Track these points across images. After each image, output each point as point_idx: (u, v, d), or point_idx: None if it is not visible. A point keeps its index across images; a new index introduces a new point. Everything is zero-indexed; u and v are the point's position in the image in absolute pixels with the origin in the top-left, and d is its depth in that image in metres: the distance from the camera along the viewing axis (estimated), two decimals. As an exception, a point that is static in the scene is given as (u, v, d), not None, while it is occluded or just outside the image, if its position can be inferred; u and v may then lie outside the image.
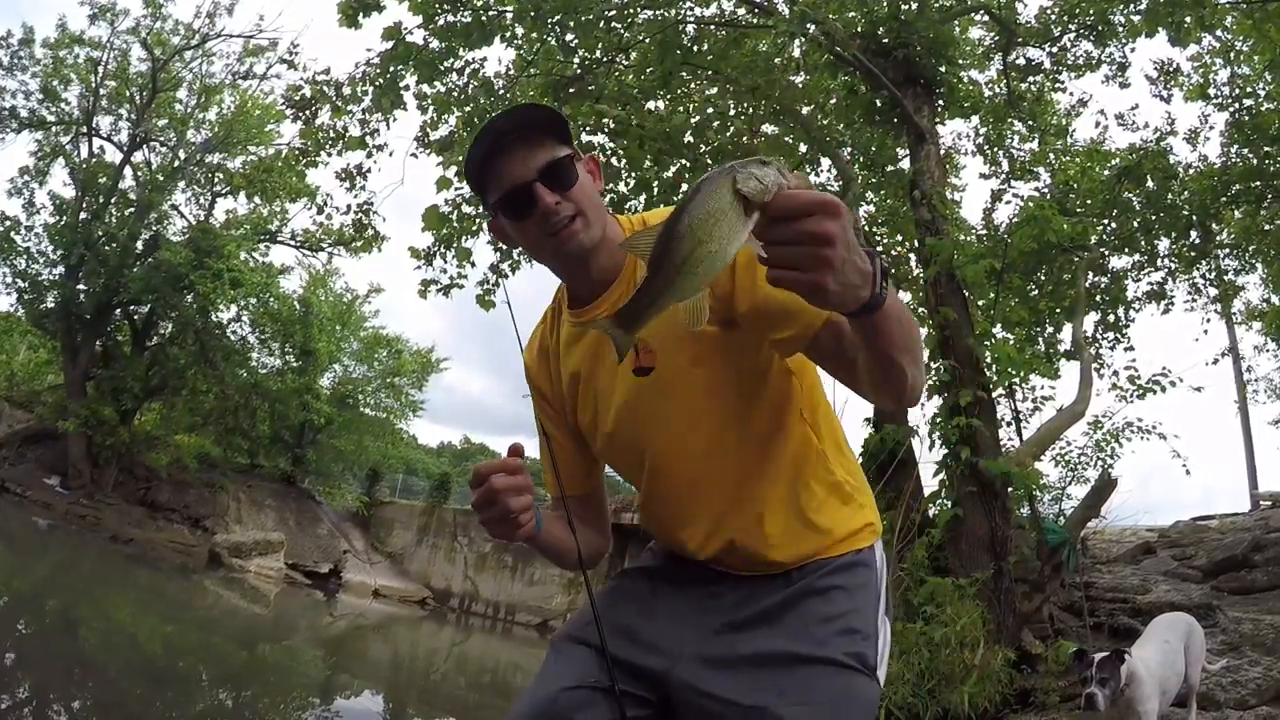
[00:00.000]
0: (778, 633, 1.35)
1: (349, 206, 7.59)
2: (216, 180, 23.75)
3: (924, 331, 6.11)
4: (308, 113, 7.03)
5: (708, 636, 1.39)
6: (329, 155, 7.41)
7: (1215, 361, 13.68)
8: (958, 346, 6.06)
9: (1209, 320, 11.92)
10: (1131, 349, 10.32)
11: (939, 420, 6.04)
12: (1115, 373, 9.67)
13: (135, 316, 23.75)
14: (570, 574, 20.89)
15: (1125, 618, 6.61)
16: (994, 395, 6.37)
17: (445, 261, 7.32)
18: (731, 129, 6.90)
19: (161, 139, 23.47)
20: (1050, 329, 10.43)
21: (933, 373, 6.24)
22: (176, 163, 22.97)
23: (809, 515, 1.40)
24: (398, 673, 14.30)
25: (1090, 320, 10.46)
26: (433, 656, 17.75)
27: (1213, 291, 11.50)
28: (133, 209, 22.40)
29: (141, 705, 6.87)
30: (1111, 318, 10.68)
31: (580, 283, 1.43)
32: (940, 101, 8.01)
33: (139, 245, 22.59)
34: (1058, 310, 10.01)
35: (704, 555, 1.46)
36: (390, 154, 7.41)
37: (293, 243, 24.36)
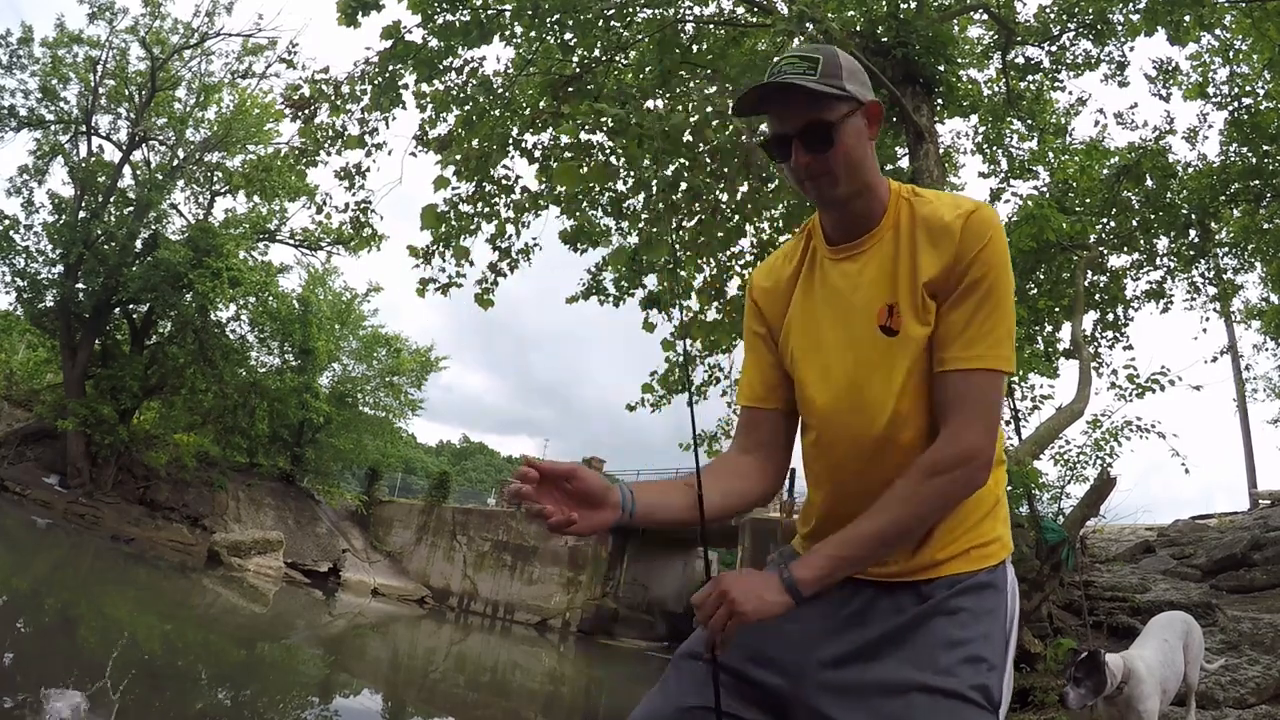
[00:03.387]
0: (904, 658, 1.32)
1: (347, 205, 7.55)
2: (215, 179, 23.76)
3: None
4: (306, 112, 7.00)
5: (835, 657, 1.37)
6: (328, 154, 7.38)
7: (1214, 360, 13.69)
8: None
9: (1208, 319, 11.91)
10: (1130, 348, 10.32)
11: None
12: (1114, 371, 9.69)
13: (134, 315, 23.76)
14: (569, 573, 20.86)
15: (1124, 617, 6.61)
16: None
17: (444, 260, 7.29)
18: (731, 128, 6.88)
19: (160, 138, 23.49)
20: (1049, 328, 10.42)
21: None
22: (175, 161, 22.98)
23: (954, 521, 1.39)
24: (396, 672, 14.25)
25: (1089, 319, 10.46)
26: (432, 655, 17.72)
27: (1211, 290, 11.49)
28: (131, 208, 22.41)
29: (140, 704, 6.86)
30: (1110, 316, 10.67)
31: (833, 225, 1.50)
32: (939, 100, 8.00)
33: (138, 244, 22.66)
34: (1056, 309, 10.01)
35: None
36: (389, 153, 7.38)
37: (292, 241, 24.38)
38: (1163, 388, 8.16)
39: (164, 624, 11.73)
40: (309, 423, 25.56)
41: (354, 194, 7.41)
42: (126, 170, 23.17)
